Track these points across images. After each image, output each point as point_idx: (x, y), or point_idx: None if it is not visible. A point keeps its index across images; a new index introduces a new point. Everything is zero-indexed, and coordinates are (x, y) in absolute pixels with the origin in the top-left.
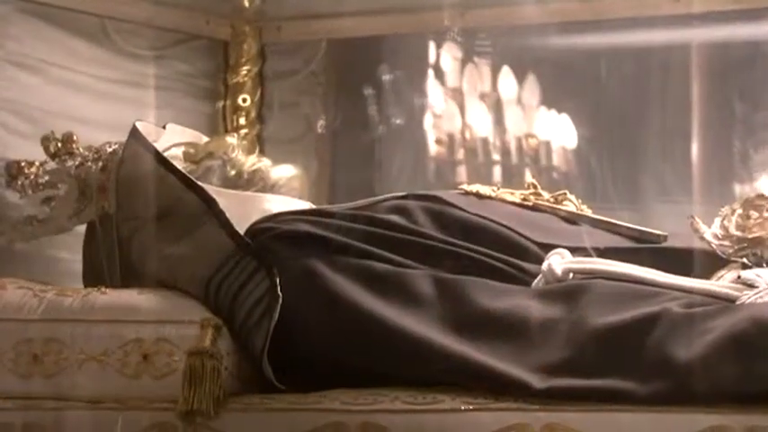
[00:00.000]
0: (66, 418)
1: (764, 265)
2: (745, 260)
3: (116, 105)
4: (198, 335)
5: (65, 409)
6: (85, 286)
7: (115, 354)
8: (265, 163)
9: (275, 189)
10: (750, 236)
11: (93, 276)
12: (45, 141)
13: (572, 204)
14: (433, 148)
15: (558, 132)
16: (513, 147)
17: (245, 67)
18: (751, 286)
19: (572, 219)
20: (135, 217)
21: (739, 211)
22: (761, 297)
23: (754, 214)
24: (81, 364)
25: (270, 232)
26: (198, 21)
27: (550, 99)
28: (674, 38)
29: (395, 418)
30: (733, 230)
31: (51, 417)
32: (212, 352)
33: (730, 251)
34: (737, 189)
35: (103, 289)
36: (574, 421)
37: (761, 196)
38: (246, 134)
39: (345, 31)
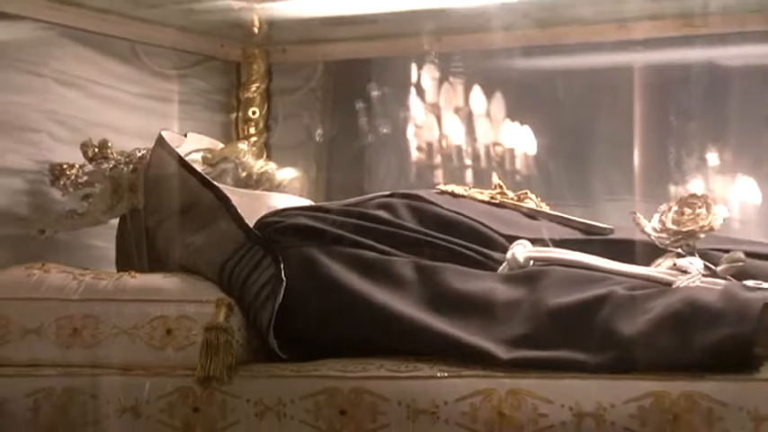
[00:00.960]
0: (100, 382)
1: (696, 254)
2: (679, 250)
3: (144, 117)
4: (213, 312)
5: (100, 375)
6: (118, 271)
7: (143, 328)
8: (271, 166)
9: (280, 188)
10: (684, 229)
11: (125, 262)
12: (84, 147)
13: (532, 202)
14: (415, 154)
15: (521, 141)
16: (482, 153)
17: (254, 85)
18: (685, 272)
19: (532, 214)
20: (160, 212)
21: (675, 208)
22: (693, 281)
23: (687, 211)
24: (114, 337)
25: (275, 225)
26: (214, 45)
27: (514, 113)
28: (619, 60)
29: (381, 383)
30: (669, 225)
31: (88, 382)
32: (226, 327)
33: (667, 242)
34: (673, 189)
35: (133, 273)
36: (534, 387)
37: (693, 196)
38: (255, 141)
39: (340, 54)
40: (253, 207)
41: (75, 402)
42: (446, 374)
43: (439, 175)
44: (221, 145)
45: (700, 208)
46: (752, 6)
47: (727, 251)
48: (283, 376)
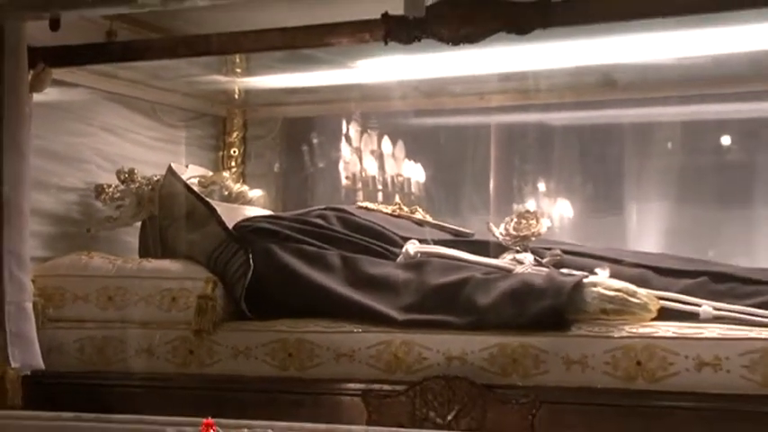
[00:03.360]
0: (127, 333)
1: (528, 251)
2: (517, 248)
3: (160, 154)
4: (204, 286)
5: (126, 329)
6: (140, 257)
7: (156, 297)
8: (245, 188)
9: (251, 203)
10: (521, 234)
11: (145, 252)
12: (118, 173)
13: (420, 214)
14: (343, 182)
15: (415, 173)
16: (389, 181)
17: (235, 133)
18: (521, 263)
19: (420, 223)
20: (170, 218)
21: (515, 219)
22: (526, 269)
23: (523, 221)
24: (136, 303)
25: (247, 228)
26: (207, 105)
27: (411, 154)
28: (480, 120)
29: (316, 335)
30: (512, 231)
31: (118, 332)
32: (212, 296)
33: (510, 243)
34: (515, 207)
35: (150, 259)
36: (419, 339)
37: (527, 211)
38: (235, 171)
39: (292, 113)
40: (232, 215)
41: (109, 346)
42: (360, 330)
43: (360, 195)
44: (211, 173)
45: (531, 220)
46: (568, 84)
47: (549, 249)
48: (250, 330)
